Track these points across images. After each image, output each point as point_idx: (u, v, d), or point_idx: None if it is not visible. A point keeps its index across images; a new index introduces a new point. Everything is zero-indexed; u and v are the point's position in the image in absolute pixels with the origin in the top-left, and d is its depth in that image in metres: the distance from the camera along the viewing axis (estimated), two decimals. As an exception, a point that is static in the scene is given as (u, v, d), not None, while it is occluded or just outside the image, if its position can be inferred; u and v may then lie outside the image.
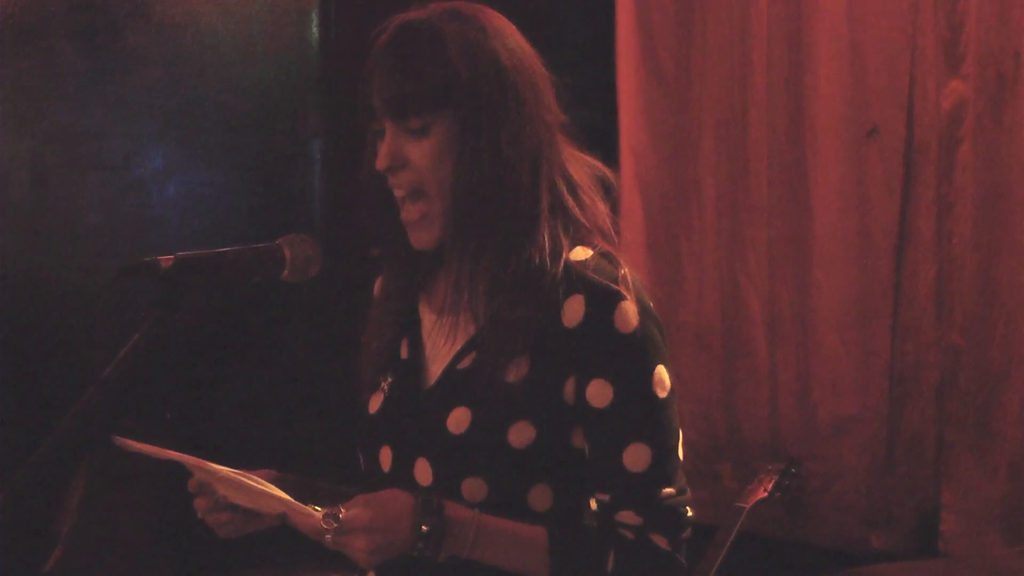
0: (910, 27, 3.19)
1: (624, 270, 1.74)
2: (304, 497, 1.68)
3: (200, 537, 1.92)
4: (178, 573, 3.45)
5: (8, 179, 3.60)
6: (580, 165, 1.82)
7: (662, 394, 1.73)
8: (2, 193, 3.59)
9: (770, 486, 3.29)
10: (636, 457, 1.71)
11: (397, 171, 1.75)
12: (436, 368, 1.82)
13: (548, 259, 1.73)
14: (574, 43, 3.85)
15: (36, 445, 1.65)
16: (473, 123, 1.72)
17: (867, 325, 3.30)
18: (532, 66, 1.78)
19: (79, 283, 3.60)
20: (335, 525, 1.62)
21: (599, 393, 1.71)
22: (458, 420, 1.74)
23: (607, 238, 1.80)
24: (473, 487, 1.72)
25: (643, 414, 1.72)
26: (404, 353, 1.86)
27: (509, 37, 1.78)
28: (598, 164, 1.85)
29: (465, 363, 1.77)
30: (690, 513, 1.76)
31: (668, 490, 1.73)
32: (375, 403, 1.86)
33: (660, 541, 1.72)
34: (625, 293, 1.71)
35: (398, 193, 1.77)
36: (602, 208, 1.82)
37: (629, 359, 1.71)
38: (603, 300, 1.71)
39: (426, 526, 1.65)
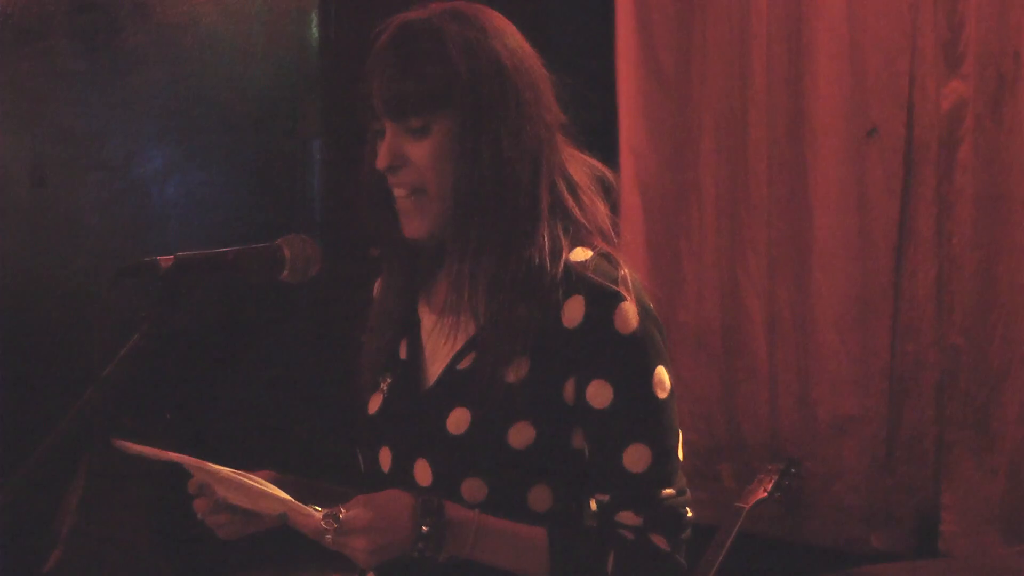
0: (910, 27, 3.20)
1: (624, 271, 1.74)
2: (304, 497, 1.68)
3: (200, 537, 1.92)
4: (178, 573, 3.45)
5: (8, 179, 3.60)
6: (580, 165, 1.83)
7: (662, 395, 1.73)
8: (2, 193, 3.59)
9: (770, 486, 3.29)
10: (636, 458, 1.71)
11: (397, 170, 1.75)
12: (435, 368, 1.82)
13: (548, 259, 1.73)
14: (574, 43, 3.85)
15: (36, 445, 1.65)
16: (473, 123, 1.72)
17: (867, 325, 3.30)
18: (532, 66, 1.78)
19: (79, 283, 3.60)
20: (335, 525, 1.62)
21: (599, 394, 1.71)
22: (458, 420, 1.74)
23: (607, 238, 1.80)
24: (473, 488, 1.72)
25: (643, 415, 1.72)
26: (403, 353, 1.86)
27: (509, 37, 1.78)
28: (598, 164, 1.85)
29: (465, 363, 1.77)
30: (690, 513, 1.76)
31: (668, 491, 1.73)
32: (374, 403, 1.86)
33: (660, 541, 1.72)
34: (625, 294, 1.71)
35: (398, 192, 1.77)
36: (602, 208, 1.82)
37: (629, 360, 1.71)
38: (603, 301, 1.71)
39: (426, 526, 1.65)
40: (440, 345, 1.81)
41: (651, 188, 3.75)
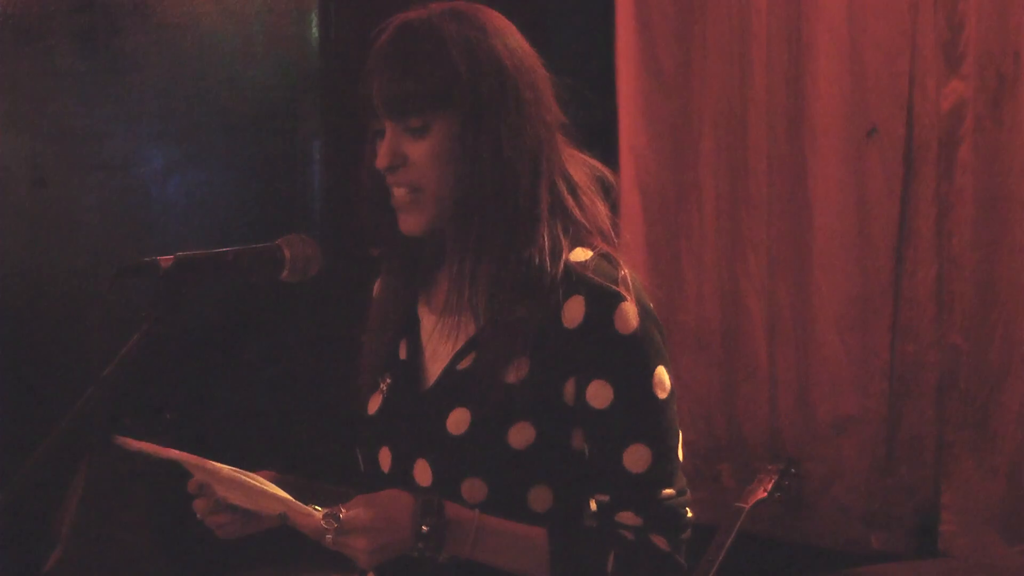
0: (910, 27, 3.19)
1: (624, 271, 1.75)
2: (304, 497, 1.68)
3: (200, 537, 1.92)
4: (178, 573, 3.45)
5: (8, 179, 3.60)
6: (580, 165, 1.83)
7: (662, 395, 1.73)
8: (2, 193, 3.59)
9: (770, 486, 3.29)
10: (636, 458, 1.71)
11: (397, 170, 1.75)
12: (435, 369, 1.82)
13: (548, 259, 1.73)
14: (574, 43, 3.85)
15: (36, 445, 1.65)
16: (473, 123, 1.72)
17: (867, 325, 3.30)
18: (532, 66, 1.78)
19: (79, 283, 3.60)
20: (335, 525, 1.62)
21: (599, 394, 1.71)
22: (458, 421, 1.74)
23: (607, 239, 1.80)
24: (473, 488, 1.72)
25: (643, 415, 1.72)
26: (403, 354, 1.86)
27: (509, 37, 1.78)
28: (598, 164, 1.85)
29: (465, 364, 1.77)
30: (690, 514, 1.76)
31: (668, 491, 1.73)
32: (374, 404, 1.86)
33: (660, 542, 1.72)
34: (625, 294, 1.71)
35: (397, 192, 1.77)
36: (602, 209, 1.82)
37: (629, 360, 1.71)
38: (603, 301, 1.71)
39: (426, 526, 1.65)
40: (440, 345, 1.81)
41: (651, 188, 3.75)
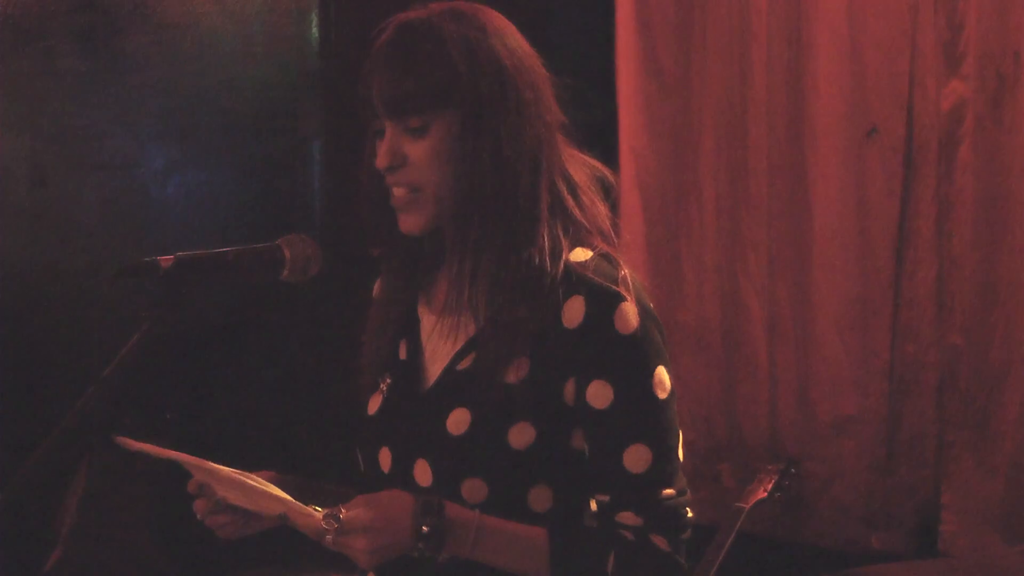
0: (910, 27, 3.19)
1: (624, 271, 1.75)
2: (304, 497, 1.68)
3: (200, 537, 1.92)
4: (178, 573, 3.45)
5: (8, 179, 3.60)
6: (580, 165, 1.83)
7: (662, 395, 1.73)
8: (2, 193, 3.59)
9: (770, 486, 3.29)
10: (636, 458, 1.71)
11: (396, 170, 1.75)
12: (435, 369, 1.82)
13: (548, 259, 1.73)
14: (574, 43, 3.85)
15: (36, 445, 1.65)
16: (473, 122, 1.72)
17: (867, 325, 3.30)
18: (532, 66, 1.78)
19: (79, 283, 3.60)
20: (336, 525, 1.62)
21: (599, 394, 1.71)
22: (458, 421, 1.74)
23: (607, 239, 1.80)
24: (473, 488, 1.72)
25: (643, 415, 1.72)
26: (403, 354, 1.86)
27: (509, 37, 1.78)
28: (598, 164, 1.85)
29: (465, 364, 1.77)
30: (690, 514, 1.76)
31: (668, 491, 1.73)
32: (374, 404, 1.86)
33: (660, 542, 1.72)
34: (625, 294, 1.71)
35: (397, 192, 1.77)
36: (602, 209, 1.82)
37: (629, 360, 1.71)
38: (603, 301, 1.71)
39: (426, 526, 1.65)
40: (440, 345, 1.81)
41: (651, 188, 3.75)
